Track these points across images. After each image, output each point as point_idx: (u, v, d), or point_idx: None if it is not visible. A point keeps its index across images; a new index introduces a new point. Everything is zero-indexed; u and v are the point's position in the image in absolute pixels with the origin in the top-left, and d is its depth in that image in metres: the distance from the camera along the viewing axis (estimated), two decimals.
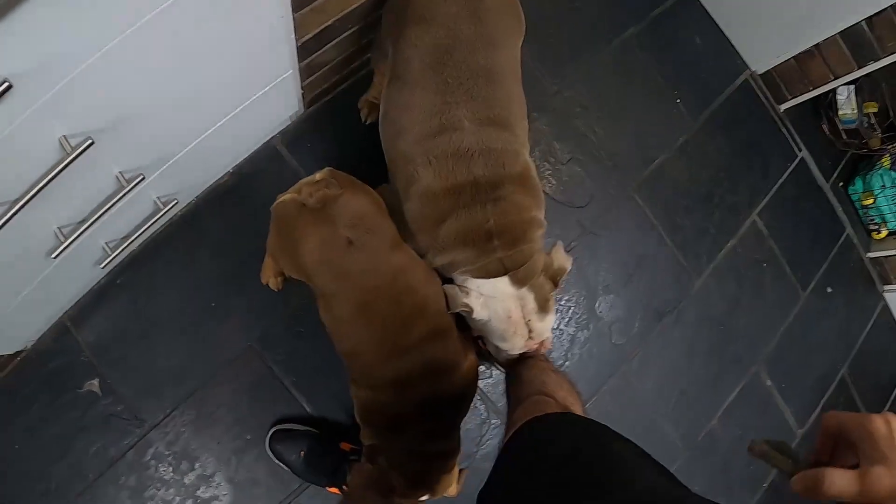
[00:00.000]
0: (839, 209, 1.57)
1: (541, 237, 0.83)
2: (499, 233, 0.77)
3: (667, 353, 1.27)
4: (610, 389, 1.24)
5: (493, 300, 0.80)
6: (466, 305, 0.80)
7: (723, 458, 1.34)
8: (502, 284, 0.80)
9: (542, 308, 0.82)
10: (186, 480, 1.16)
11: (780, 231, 1.42)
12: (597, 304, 1.21)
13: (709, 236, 1.32)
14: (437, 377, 0.80)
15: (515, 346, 0.84)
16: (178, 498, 1.16)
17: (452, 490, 0.86)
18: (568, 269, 0.85)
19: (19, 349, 1.13)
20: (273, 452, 1.13)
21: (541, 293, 0.82)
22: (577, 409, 0.76)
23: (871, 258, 1.61)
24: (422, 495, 0.81)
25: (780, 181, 1.45)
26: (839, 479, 0.37)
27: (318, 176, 0.80)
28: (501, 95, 0.80)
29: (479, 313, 0.81)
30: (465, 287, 0.81)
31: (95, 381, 1.15)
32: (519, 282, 0.80)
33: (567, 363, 1.21)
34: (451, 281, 0.85)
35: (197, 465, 1.16)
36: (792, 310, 1.41)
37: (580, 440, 0.59)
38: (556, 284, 0.84)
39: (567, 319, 1.21)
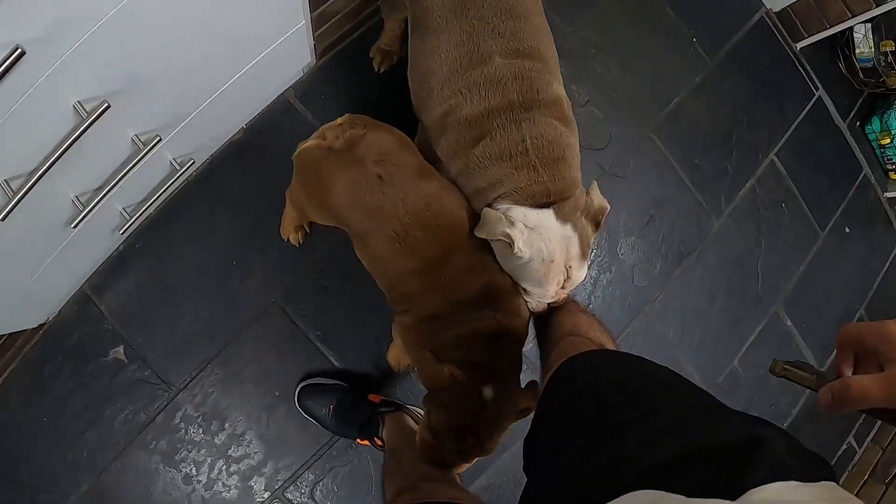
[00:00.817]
0: (857, 149, 1.55)
1: (578, 166, 0.80)
2: (536, 149, 0.75)
3: (688, 294, 1.27)
4: (633, 331, 1.25)
5: (537, 237, 0.74)
6: (507, 236, 0.73)
7: (745, 398, 1.36)
8: (548, 218, 0.74)
9: (584, 255, 0.78)
10: (217, 441, 1.17)
11: (798, 171, 1.40)
12: (618, 247, 1.21)
13: (728, 177, 1.31)
14: (482, 275, 0.78)
15: (549, 293, 0.79)
16: (209, 459, 1.18)
17: (529, 402, 0.77)
18: (608, 209, 0.80)
19: (42, 322, 1.13)
20: (302, 408, 1.14)
21: (584, 235, 0.77)
22: (611, 347, 0.75)
23: (889, 198, 1.60)
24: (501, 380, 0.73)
25: (798, 120, 1.43)
26: (866, 382, 0.37)
27: (339, 121, 0.80)
28: (529, 28, 0.78)
29: (522, 250, 0.73)
30: (509, 216, 0.75)
31: (120, 349, 1.15)
32: (564, 217, 0.75)
33: (591, 306, 1.21)
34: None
35: (227, 424, 1.17)
36: (810, 250, 1.41)
37: (618, 372, 0.59)
38: (597, 225, 0.79)
39: (589, 262, 1.20)
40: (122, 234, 1.09)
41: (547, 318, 0.85)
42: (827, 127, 1.50)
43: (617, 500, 0.35)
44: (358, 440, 1.15)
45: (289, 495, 1.18)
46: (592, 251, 0.83)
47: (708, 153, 1.30)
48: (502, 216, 0.74)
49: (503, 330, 0.76)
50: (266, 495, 1.18)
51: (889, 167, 1.60)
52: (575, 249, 0.76)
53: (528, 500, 0.50)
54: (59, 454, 1.18)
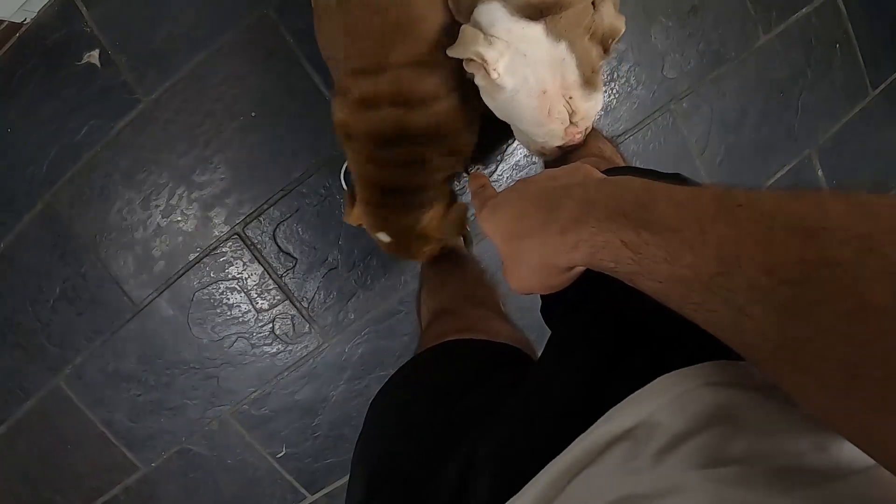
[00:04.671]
0: None
1: None
2: None
3: (720, 102, 1.15)
4: (655, 126, 1.13)
5: (521, 61, 0.59)
6: (479, 56, 0.58)
7: None
8: (536, 34, 0.58)
9: (589, 82, 0.62)
10: (182, 162, 1.08)
11: (860, 16, 1.26)
12: (652, 29, 1.08)
13: None
14: (408, 108, 0.69)
15: (554, 134, 0.65)
16: (171, 182, 1.09)
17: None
18: (622, 31, 0.63)
19: (21, 20, 1.05)
20: (346, 182, 1.05)
21: (586, 59, 0.60)
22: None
23: None
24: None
25: None
26: None
27: None
28: None
29: (503, 77, 0.60)
30: (492, 34, 0.59)
31: (95, 52, 1.06)
32: (558, 33, 0.58)
33: (613, 84, 1.09)
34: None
35: (195, 144, 1.07)
36: (857, 105, 1.28)
37: None
38: (606, 51, 0.63)
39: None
40: None
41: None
42: None
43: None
44: None
45: (249, 232, 1.08)
46: (603, 78, 0.70)
47: None
48: (481, 34, 0.59)
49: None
50: (225, 229, 1.09)
51: None
52: (572, 76, 0.61)
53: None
54: (18, 168, 1.10)
